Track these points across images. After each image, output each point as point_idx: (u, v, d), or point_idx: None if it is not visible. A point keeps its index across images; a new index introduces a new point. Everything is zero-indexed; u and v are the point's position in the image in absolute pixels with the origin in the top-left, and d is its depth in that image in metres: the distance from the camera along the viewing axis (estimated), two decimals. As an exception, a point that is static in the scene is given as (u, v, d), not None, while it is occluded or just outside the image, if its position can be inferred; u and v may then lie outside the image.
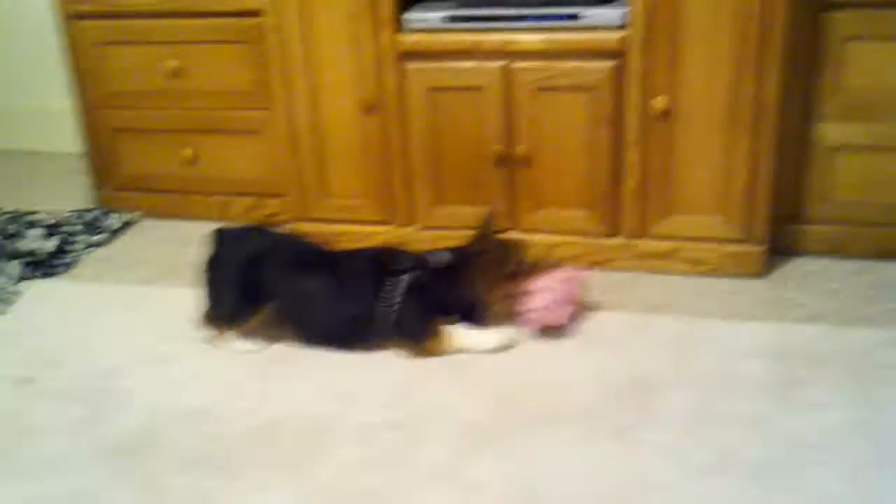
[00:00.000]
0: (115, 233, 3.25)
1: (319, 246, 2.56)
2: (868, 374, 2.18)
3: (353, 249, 2.56)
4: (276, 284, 2.43)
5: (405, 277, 2.39)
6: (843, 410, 2.06)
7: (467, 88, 2.71)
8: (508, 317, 2.43)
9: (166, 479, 1.98)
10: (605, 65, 2.58)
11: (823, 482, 1.85)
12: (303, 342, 2.46)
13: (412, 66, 2.73)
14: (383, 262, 2.45)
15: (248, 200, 3.28)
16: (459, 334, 2.38)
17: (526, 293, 2.40)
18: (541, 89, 2.65)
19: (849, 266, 2.70)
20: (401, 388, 2.26)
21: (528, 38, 2.62)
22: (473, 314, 2.42)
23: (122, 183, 3.42)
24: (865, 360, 2.24)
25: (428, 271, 2.41)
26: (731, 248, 2.67)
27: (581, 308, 2.49)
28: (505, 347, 2.37)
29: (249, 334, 2.47)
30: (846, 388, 2.14)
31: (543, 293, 2.39)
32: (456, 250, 2.46)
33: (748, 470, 1.89)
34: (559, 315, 2.40)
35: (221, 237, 2.53)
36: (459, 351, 2.37)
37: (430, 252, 2.47)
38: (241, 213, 3.29)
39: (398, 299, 2.37)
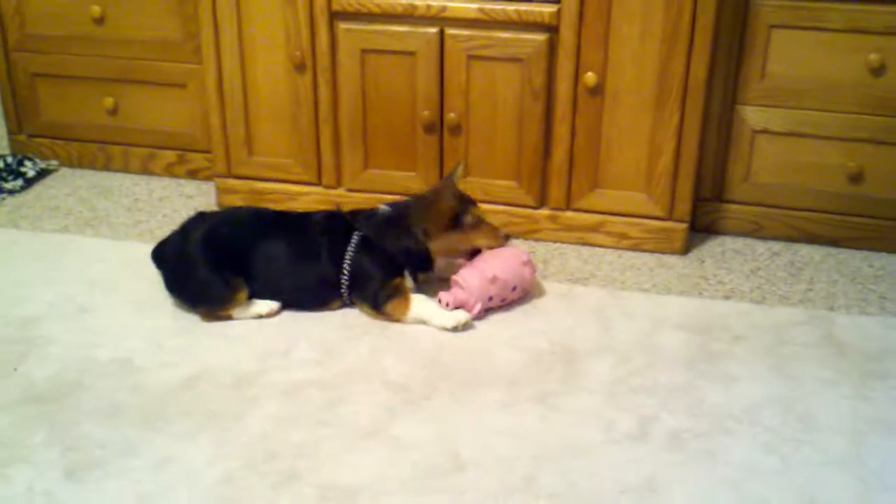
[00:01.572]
0: (31, 181, 3.15)
1: (271, 211, 2.53)
2: (784, 351, 2.25)
3: (304, 212, 2.53)
4: (243, 251, 2.38)
5: (355, 236, 2.38)
6: (760, 384, 2.12)
7: (400, 52, 2.69)
8: (452, 270, 2.44)
9: (84, 429, 1.95)
10: (539, 37, 2.60)
11: (739, 453, 1.90)
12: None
13: (345, 25, 2.70)
14: (336, 221, 2.44)
15: (171, 154, 3.21)
16: (421, 304, 2.36)
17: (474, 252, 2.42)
18: (474, 57, 2.65)
19: (767, 246, 2.78)
20: (327, 347, 2.26)
21: (464, 6, 2.61)
22: (422, 265, 2.42)
23: (40, 130, 3.31)
24: (781, 337, 2.31)
25: (376, 223, 2.40)
26: (655, 224, 2.72)
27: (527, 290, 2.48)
28: (462, 327, 2.33)
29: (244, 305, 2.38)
30: (763, 363, 2.20)
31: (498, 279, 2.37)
32: (403, 203, 2.48)
33: (668, 438, 1.94)
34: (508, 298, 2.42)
35: (164, 248, 2.44)
36: (417, 321, 2.35)
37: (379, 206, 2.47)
38: (164, 167, 3.24)
39: (350, 257, 2.36)
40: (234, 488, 1.79)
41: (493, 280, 2.35)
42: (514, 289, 2.40)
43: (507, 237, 2.48)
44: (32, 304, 2.42)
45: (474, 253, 2.44)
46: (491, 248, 2.43)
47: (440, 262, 2.45)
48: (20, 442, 1.91)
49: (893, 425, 1.99)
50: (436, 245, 2.40)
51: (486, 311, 2.39)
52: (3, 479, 1.81)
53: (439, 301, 2.36)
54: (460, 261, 2.45)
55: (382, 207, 2.46)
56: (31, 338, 2.27)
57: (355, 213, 2.47)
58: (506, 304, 2.43)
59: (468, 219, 2.41)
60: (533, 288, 2.49)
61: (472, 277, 2.36)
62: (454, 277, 2.39)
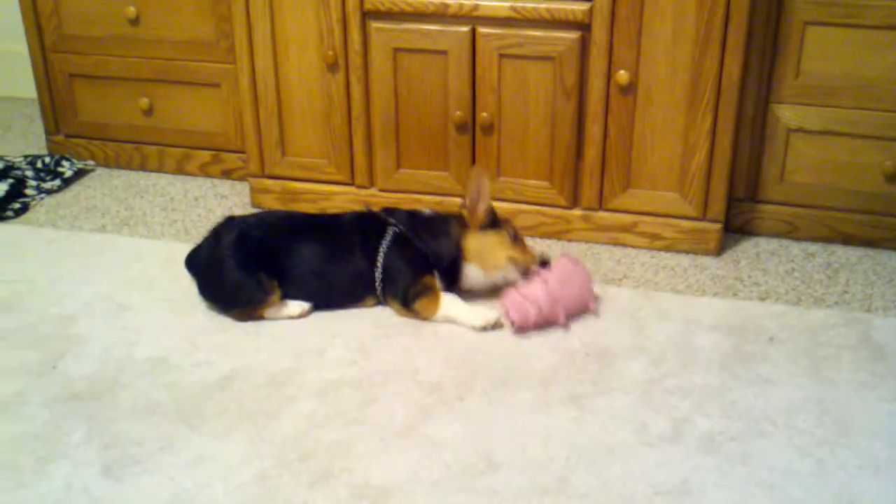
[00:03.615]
0: (68, 181, 3.19)
1: (301, 214, 2.57)
2: (819, 353, 2.23)
3: (334, 213, 2.55)
4: (276, 253, 2.39)
5: (390, 233, 2.40)
6: (794, 387, 2.11)
7: (432, 51, 2.70)
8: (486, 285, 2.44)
9: (122, 426, 1.97)
10: (571, 35, 2.59)
11: (775, 456, 1.89)
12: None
13: (377, 25, 2.71)
14: (369, 219, 2.46)
15: (206, 155, 3.24)
16: (451, 303, 2.37)
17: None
18: (506, 56, 2.65)
19: (803, 247, 2.76)
20: (361, 346, 2.27)
21: (496, 4, 2.61)
22: (450, 273, 2.42)
23: (77, 130, 3.35)
24: (817, 339, 2.29)
25: (414, 221, 2.42)
26: (688, 224, 2.70)
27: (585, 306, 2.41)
28: (492, 327, 2.33)
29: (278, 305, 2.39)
30: (798, 365, 2.18)
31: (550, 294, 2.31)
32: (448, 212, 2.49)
33: (702, 440, 1.93)
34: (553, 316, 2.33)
35: (196, 254, 2.46)
36: (447, 320, 2.35)
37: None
38: (198, 167, 3.26)
39: (382, 255, 2.38)
40: (269, 486, 1.81)
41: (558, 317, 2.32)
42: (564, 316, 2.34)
43: (545, 263, 2.39)
44: (70, 302, 2.45)
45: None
46: (524, 264, 2.39)
47: (469, 272, 2.42)
48: (59, 438, 1.94)
49: (931, 429, 1.98)
50: (470, 242, 2.39)
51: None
52: (42, 474, 1.84)
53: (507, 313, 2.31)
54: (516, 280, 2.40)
55: (427, 210, 2.49)
56: (70, 336, 2.30)
57: (391, 211, 2.48)
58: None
59: (506, 226, 2.41)
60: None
61: (545, 300, 2.29)
62: (525, 292, 2.31)
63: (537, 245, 2.70)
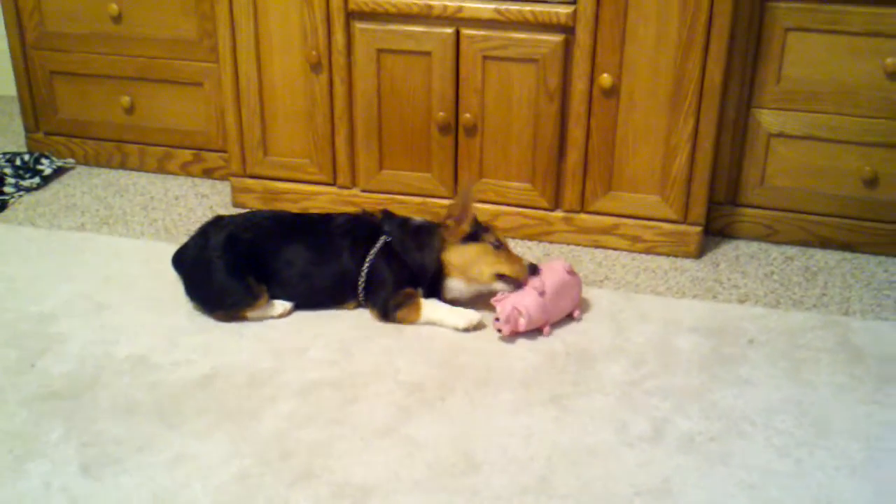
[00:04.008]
0: (48, 179, 3.17)
1: (290, 214, 2.54)
2: (798, 355, 2.25)
3: (326, 214, 2.52)
4: (264, 255, 2.38)
5: (380, 241, 2.39)
6: (774, 388, 2.12)
7: (416, 52, 2.70)
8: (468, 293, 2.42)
9: (100, 425, 1.96)
10: (555, 38, 2.60)
11: (754, 456, 1.91)
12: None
13: (361, 25, 2.71)
14: (362, 223, 2.44)
15: (187, 153, 3.23)
16: (432, 307, 2.36)
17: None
18: (489, 58, 2.66)
19: (782, 251, 2.78)
20: (343, 346, 2.27)
21: (480, 6, 2.61)
22: (431, 286, 2.40)
23: (57, 128, 3.33)
24: (796, 341, 2.30)
25: (402, 232, 2.40)
26: (669, 227, 2.71)
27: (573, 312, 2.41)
28: (474, 328, 2.33)
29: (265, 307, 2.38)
30: (777, 367, 2.20)
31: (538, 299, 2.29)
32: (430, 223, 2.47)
33: (681, 440, 1.94)
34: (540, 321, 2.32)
35: (184, 253, 2.43)
36: (429, 323, 2.35)
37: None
38: (179, 166, 3.25)
39: (368, 262, 2.37)
40: (249, 486, 1.80)
41: (546, 324, 2.32)
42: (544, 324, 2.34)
43: (535, 269, 2.36)
44: (49, 300, 2.43)
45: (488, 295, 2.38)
46: (513, 276, 2.34)
47: (452, 284, 2.40)
48: (37, 437, 1.93)
49: (908, 430, 2.00)
50: (452, 256, 2.37)
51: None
52: (20, 473, 1.83)
53: (497, 320, 2.29)
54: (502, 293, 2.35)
55: (418, 219, 2.47)
56: (49, 334, 2.29)
57: (389, 216, 2.46)
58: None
59: (488, 236, 2.37)
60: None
61: (536, 311, 2.29)
62: (518, 307, 2.27)
63: (518, 247, 2.71)
